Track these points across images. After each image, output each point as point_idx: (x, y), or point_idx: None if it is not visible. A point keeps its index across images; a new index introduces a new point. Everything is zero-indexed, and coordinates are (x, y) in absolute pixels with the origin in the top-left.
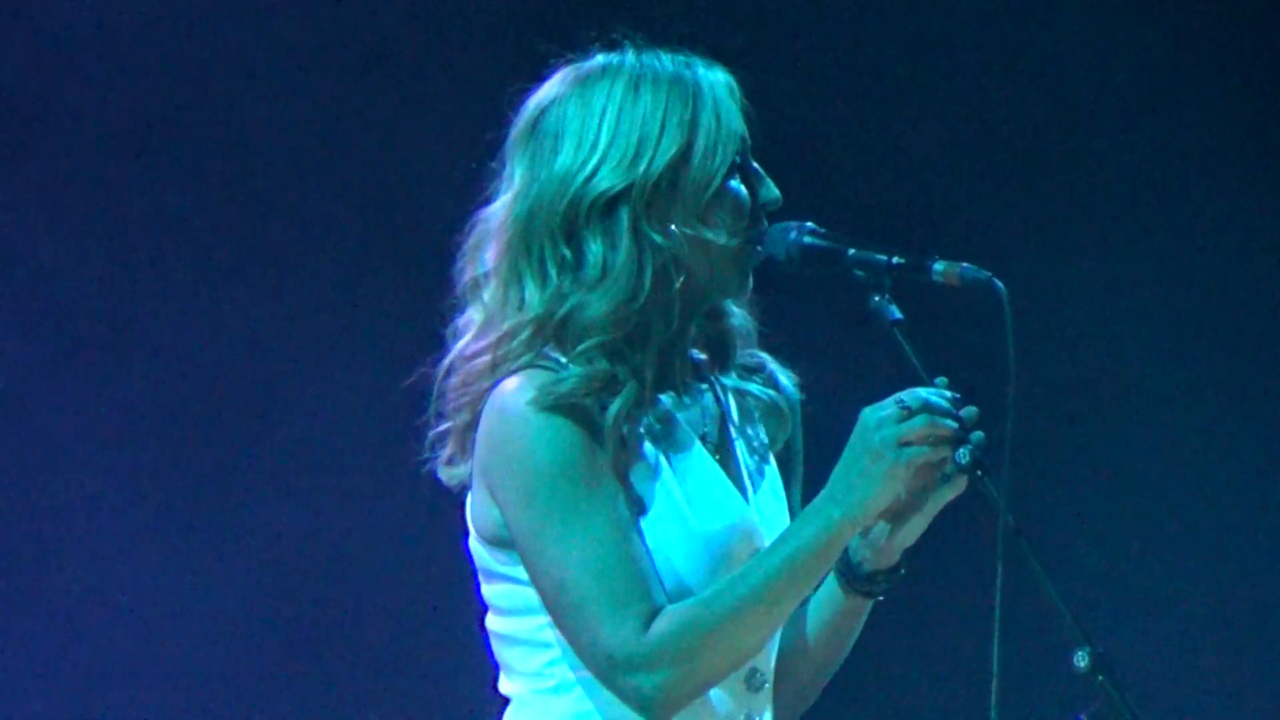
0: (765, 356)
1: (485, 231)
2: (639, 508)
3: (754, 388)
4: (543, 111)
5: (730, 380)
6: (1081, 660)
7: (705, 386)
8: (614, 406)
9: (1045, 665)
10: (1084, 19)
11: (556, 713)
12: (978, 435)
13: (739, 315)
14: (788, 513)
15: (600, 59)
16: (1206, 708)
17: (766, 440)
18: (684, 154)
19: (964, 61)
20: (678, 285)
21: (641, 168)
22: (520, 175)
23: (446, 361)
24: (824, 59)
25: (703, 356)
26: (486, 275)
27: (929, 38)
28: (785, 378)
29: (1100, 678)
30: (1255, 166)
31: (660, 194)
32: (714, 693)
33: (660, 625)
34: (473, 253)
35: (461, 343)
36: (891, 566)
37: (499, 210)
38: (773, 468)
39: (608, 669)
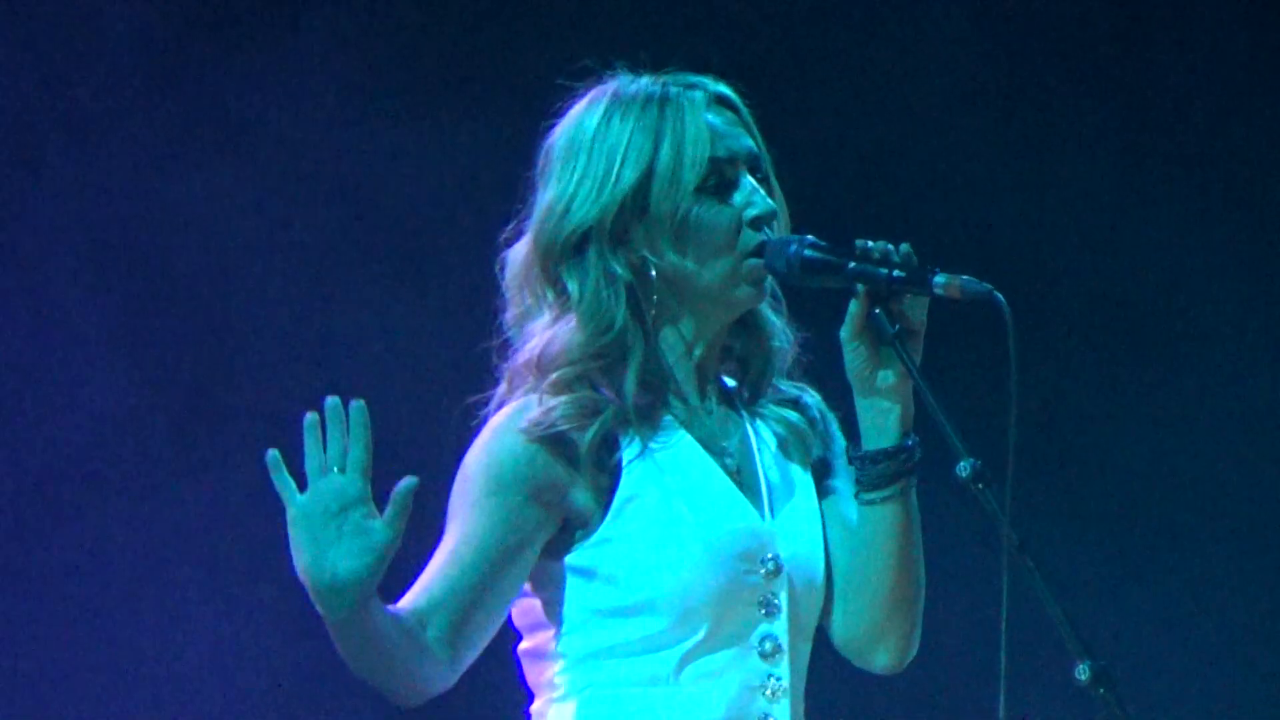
0: (803, 387)
1: (513, 271)
2: (641, 525)
3: (787, 413)
4: (547, 150)
5: (763, 406)
6: (1083, 673)
7: (732, 408)
8: (589, 433)
9: (1047, 678)
10: (1082, 21)
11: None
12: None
13: (780, 336)
14: (819, 527)
15: (589, 93)
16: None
17: (800, 460)
18: (645, 183)
19: (961, 65)
20: (651, 311)
21: (604, 201)
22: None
23: (496, 401)
24: (825, 68)
25: (732, 383)
26: (526, 310)
27: (929, 43)
28: (812, 397)
29: (1102, 690)
30: (1262, 166)
31: (627, 223)
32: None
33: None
34: (511, 290)
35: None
36: (895, 446)
37: (519, 249)
38: (805, 484)
39: None
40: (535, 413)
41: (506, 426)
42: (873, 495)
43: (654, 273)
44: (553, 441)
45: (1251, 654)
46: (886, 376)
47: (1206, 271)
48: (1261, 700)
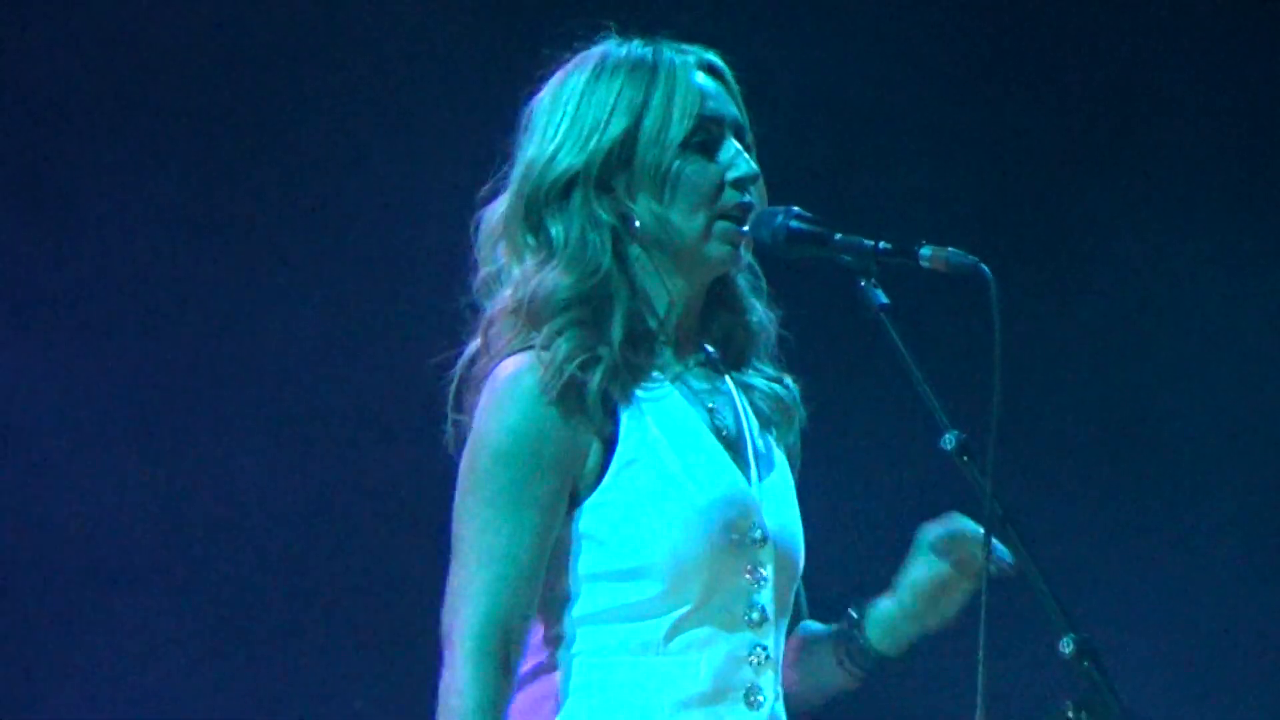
0: (781, 375)
1: (489, 228)
2: (636, 489)
3: (775, 388)
4: (531, 110)
5: (751, 376)
6: (1067, 646)
7: (718, 375)
8: (595, 378)
9: (1031, 651)
10: (1078, 12)
11: (553, 688)
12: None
13: (759, 313)
14: (795, 500)
15: (576, 57)
16: (1191, 695)
17: (778, 437)
18: (632, 133)
19: (955, 55)
20: (634, 260)
21: (590, 149)
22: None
23: (468, 354)
24: (818, 47)
25: (714, 351)
26: (498, 271)
27: (922, 17)
28: (790, 382)
29: (1086, 664)
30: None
31: (611, 172)
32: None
33: (453, 667)
34: (484, 250)
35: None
36: (892, 658)
37: (497, 207)
38: (782, 456)
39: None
40: (542, 370)
41: (520, 397)
42: (847, 665)
43: (636, 223)
44: (565, 400)
45: (1237, 628)
46: (932, 611)
47: (1194, 251)
48: (1247, 677)
